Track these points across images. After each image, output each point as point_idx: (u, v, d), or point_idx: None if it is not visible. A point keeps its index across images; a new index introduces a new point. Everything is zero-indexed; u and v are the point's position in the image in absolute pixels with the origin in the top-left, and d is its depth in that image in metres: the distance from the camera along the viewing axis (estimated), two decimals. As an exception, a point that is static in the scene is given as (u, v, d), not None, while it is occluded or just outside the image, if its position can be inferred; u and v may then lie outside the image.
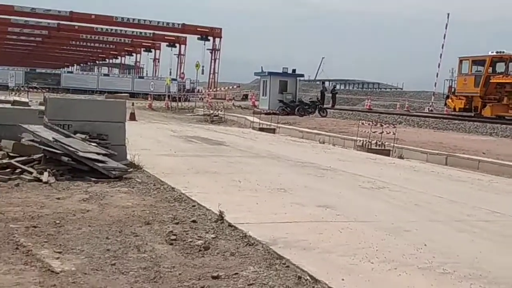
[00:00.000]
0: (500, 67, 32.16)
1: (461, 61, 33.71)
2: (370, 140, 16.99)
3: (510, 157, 14.53)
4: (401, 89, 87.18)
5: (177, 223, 6.19)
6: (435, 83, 47.34)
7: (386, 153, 16.25)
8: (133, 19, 67.11)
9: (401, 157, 15.49)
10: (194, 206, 7.04)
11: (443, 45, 47.19)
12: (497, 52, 31.84)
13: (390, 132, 17.22)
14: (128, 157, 10.03)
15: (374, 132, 17.35)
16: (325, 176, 10.53)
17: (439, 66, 46.91)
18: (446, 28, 47.28)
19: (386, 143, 16.72)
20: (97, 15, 65.86)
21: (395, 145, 16.68)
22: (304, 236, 5.81)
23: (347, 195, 8.56)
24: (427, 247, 5.62)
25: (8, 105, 12.78)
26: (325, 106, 35.78)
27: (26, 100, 15.61)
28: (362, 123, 19.28)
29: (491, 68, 32.08)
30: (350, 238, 5.87)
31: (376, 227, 6.46)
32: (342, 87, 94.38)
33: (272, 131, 23.68)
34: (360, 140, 17.46)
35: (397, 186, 9.72)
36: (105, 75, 71.56)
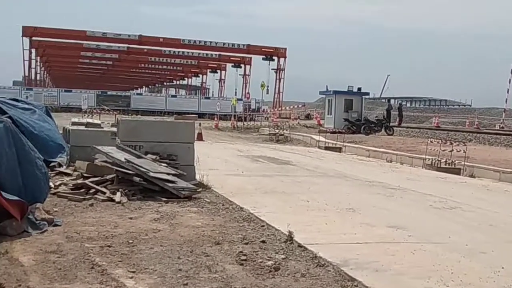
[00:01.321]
0: None
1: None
2: (439, 159, 16.62)
3: None
4: (470, 106, 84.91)
5: (246, 243, 6.21)
6: (506, 99, 45.90)
7: (456, 171, 15.86)
8: (199, 41, 68.32)
9: (472, 176, 15.07)
10: (263, 226, 7.05)
11: (514, 61, 45.70)
12: None
13: (460, 150, 16.78)
14: (197, 177, 10.18)
15: (443, 150, 16.96)
16: (394, 195, 10.35)
17: (510, 82, 45.48)
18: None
19: (456, 161, 16.31)
20: (165, 38, 67.50)
21: (466, 163, 16.26)
22: (376, 257, 5.72)
23: (418, 215, 8.39)
24: (505, 270, 5.42)
25: (82, 127, 13.25)
26: (391, 124, 35.27)
27: (99, 122, 16.11)
28: (431, 141, 18.89)
29: None
30: (424, 259, 5.73)
31: (450, 248, 6.29)
32: (409, 105, 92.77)
33: (338, 149, 23.52)
34: (429, 159, 17.11)
35: (470, 206, 9.45)
36: (172, 96, 72.97)
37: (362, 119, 33.83)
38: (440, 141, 18.79)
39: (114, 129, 11.55)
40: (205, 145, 22.38)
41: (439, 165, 16.46)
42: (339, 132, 29.32)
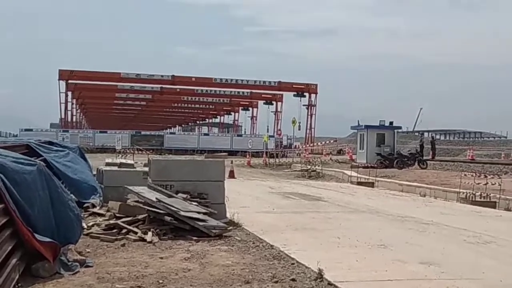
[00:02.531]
0: None
1: None
2: (474, 192, 16.35)
3: None
4: (506, 137, 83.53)
5: (276, 282, 6.20)
6: (543, 130, 45.03)
7: (492, 205, 15.56)
8: (231, 80, 69.16)
9: (508, 209, 14.79)
10: (293, 263, 7.03)
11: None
12: None
13: (495, 183, 16.50)
14: (228, 215, 10.22)
15: (477, 183, 16.69)
16: (427, 230, 10.22)
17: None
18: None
19: (491, 194, 16.03)
20: (197, 77, 68.57)
21: (501, 196, 15.96)
22: (407, 294, 5.65)
23: (451, 251, 8.25)
24: (540, 307, 5.30)
25: (115, 168, 13.45)
26: (424, 157, 34.90)
27: (132, 162, 16.33)
28: (465, 174, 18.61)
29: None
30: (456, 296, 5.64)
31: (485, 284, 6.18)
32: (442, 138, 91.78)
33: (371, 185, 23.32)
34: (463, 192, 16.84)
35: (505, 240, 9.27)
36: (205, 134, 73.57)
37: (395, 153, 33.57)
38: (474, 174, 18.52)
39: (146, 169, 11.70)
40: (237, 182, 22.45)
41: (473, 199, 16.18)
42: (372, 167, 29.10)
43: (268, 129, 72.00)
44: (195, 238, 8.61)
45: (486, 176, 17.65)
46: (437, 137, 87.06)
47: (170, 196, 9.48)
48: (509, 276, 6.63)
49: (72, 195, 8.92)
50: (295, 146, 60.41)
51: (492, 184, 16.49)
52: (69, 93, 67.75)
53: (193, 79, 68.19)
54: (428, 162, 34.02)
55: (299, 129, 63.69)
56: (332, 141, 59.94)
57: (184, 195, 9.70)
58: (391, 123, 34.83)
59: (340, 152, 52.17)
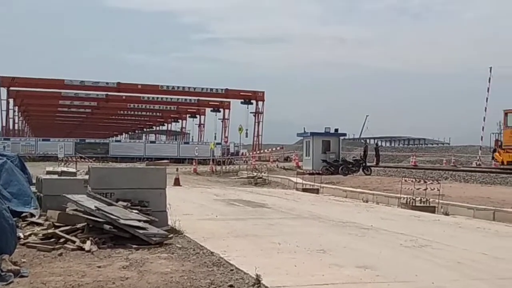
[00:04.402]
0: (547, 117, 31.54)
1: (506, 114, 33.20)
2: (414, 197, 16.75)
3: (561, 210, 14.10)
4: (448, 144, 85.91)
5: (214, 288, 6.21)
6: (482, 137, 46.53)
7: (431, 210, 15.97)
8: (178, 87, 68.82)
9: (446, 214, 15.20)
10: (232, 270, 7.07)
11: (487, 99, 46.66)
12: (542, 103, 31.33)
13: (434, 188, 16.96)
14: (170, 222, 10.17)
15: (418, 189, 17.12)
16: (366, 235, 10.43)
17: (484, 120, 46.25)
18: (489, 81, 46.90)
19: (431, 199, 16.45)
20: (143, 84, 67.89)
21: (441, 201, 16.41)
22: (341, 298, 5.76)
23: (388, 255, 8.45)
24: (467, 307, 5.49)
25: (56, 176, 13.22)
26: (368, 164, 35.53)
27: (74, 170, 16.09)
28: (405, 180, 19.05)
29: (538, 119, 31.48)
30: (388, 299, 5.78)
31: (417, 287, 6.34)
32: (388, 144, 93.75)
33: (316, 191, 23.61)
34: (404, 198, 17.24)
35: (440, 244, 9.54)
36: (151, 142, 72.93)
37: (340, 159, 34.03)
38: (414, 179, 18.97)
39: (87, 177, 11.54)
40: (182, 190, 22.36)
41: (414, 204, 16.57)
42: (317, 174, 29.46)
43: (215, 136, 72.01)
44: (135, 246, 8.53)
45: (426, 182, 18.12)
46: (383, 144, 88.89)
47: (110, 204, 9.37)
48: (441, 278, 6.83)
49: (7, 204, 8.72)
50: (242, 153, 60.53)
51: (432, 189, 16.93)
52: (11, 100, 66.07)
53: (139, 86, 67.51)
54: (372, 168, 34.65)
55: (246, 136, 63.92)
56: (278, 148, 60.26)
57: (125, 203, 9.60)
58: (336, 130, 35.31)
59: (287, 159, 52.54)
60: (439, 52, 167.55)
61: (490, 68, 47.70)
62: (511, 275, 7.14)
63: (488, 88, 46.72)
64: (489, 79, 46.96)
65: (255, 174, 34.35)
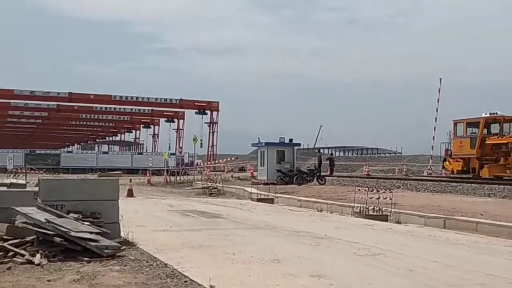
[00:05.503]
0: (495, 128, 32.42)
1: (455, 124, 34.02)
2: (367, 206, 16.95)
3: (508, 218, 14.49)
4: (400, 153, 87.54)
5: (167, 300, 6.13)
6: (432, 146, 47.73)
7: (384, 218, 16.19)
8: (131, 97, 68.24)
9: (398, 222, 15.43)
10: (186, 281, 6.99)
11: (437, 109, 47.90)
12: (490, 114, 32.20)
13: (386, 197, 17.22)
14: (122, 234, 10.01)
15: (371, 198, 17.34)
16: (320, 244, 10.48)
17: (434, 130, 47.44)
18: (439, 92, 48.16)
19: (384, 208, 16.68)
20: (95, 94, 67.07)
21: (393, 210, 16.65)
22: (295, 307, 5.76)
23: (342, 264, 8.51)
24: (419, 314, 5.56)
25: (4, 188, 12.86)
26: (323, 174, 35.87)
27: (23, 182, 15.70)
28: (359, 189, 19.29)
29: (485, 129, 32.31)
30: (342, 307, 5.81)
31: (369, 295, 6.40)
32: (341, 154, 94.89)
33: (270, 201, 23.67)
34: (357, 207, 17.43)
35: (393, 252, 9.66)
36: (104, 152, 72.08)
37: (295, 169, 34.24)
38: (367, 188, 19.23)
39: (37, 189, 11.26)
40: (135, 201, 22.09)
41: (367, 213, 16.76)
42: (272, 183, 29.58)
43: (170, 147, 71.66)
44: (86, 259, 8.35)
45: (378, 191, 18.39)
46: (336, 153, 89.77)
47: (60, 217, 9.16)
48: (393, 286, 6.92)
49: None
50: (197, 163, 60.31)
51: (384, 198, 17.19)
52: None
53: (92, 96, 66.66)
54: (326, 178, 34.98)
55: (201, 147, 63.78)
56: (233, 158, 60.30)
57: (76, 215, 9.41)
58: (290, 140, 35.55)
59: (242, 169, 52.61)
60: (389, 64, 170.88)
61: (440, 79, 49.03)
62: (461, 282, 7.27)
63: (438, 99, 47.98)
64: (439, 89, 48.24)
65: (209, 184, 34.24)
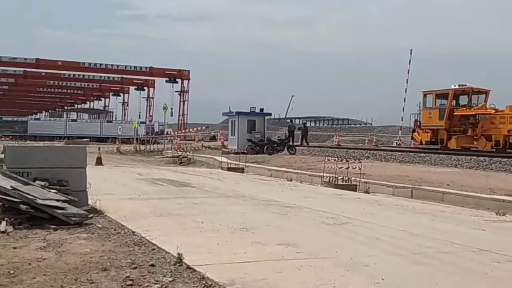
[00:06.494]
0: (463, 99, 32.85)
1: (425, 95, 34.34)
2: (336, 176, 17.09)
3: (474, 188, 14.76)
4: (371, 124, 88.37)
5: (135, 268, 6.11)
6: (402, 117, 48.19)
7: (353, 188, 16.35)
8: (100, 64, 67.17)
9: (367, 192, 15.60)
10: (153, 249, 6.97)
11: (407, 80, 48.27)
12: (459, 85, 32.55)
13: (356, 167, 17.37)
14: (90, 202, 9.93)
15: (341, 168, 17.47)
16: (288, 213, 10.54)
17: (404, 101, 47.86)
18: (409, 63, 48.48)
19: (353, 178, 16.84)
20: (63, 61, 65.79)
21: (362, 180, 16.81)
22: (263, 275, 5.79)
23: (309, 232, 8.57)
24: (384, 281, 5.63)
25: (-32, 155, 12.59)
26: (295, 144, 36.01)
27: (-12, 149, 15.37)
28: (328, 159, 19.41)
29: (454, 101, 32.73)
30: (309, 275, 5.86)
31: (336, 263, 6.46)
32: (313, 124, 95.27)
33: (241, 170, 23.70)
34: (326, 177, 17.56)
35: (360, 221, 9.77)
36: (72, 120, 71.13)
37: (265, 139, 34.29)
38: (337, 158, 19.37)
39: (2, 156, 11.07)
40: (104, 169, 21.91)
41: (336, 183, 16.91)
42: (243, 153, 29.61)
43: (140, 115, 71.04)
44: (53, 226, 8.27)
45: (348, 161, 18.53)
46: (308, 124, 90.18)
47: (26, 184, 9.04)
48: (359, 254, 6.99)
49: None
50: (167, 132, 60.02)
51: (354, 168, 17.34)
52: None
53: (60, 62, 65.39)
54: (297, 147, 35.15)
55: (172, 116, 63.36)
56: (204, 128, 60.07)
57: (42, 183, 9.28)
58: (261, 109, 35.52)
59: (213, 138, 52.48)
60: (363, 35, 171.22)
61: (411, 50, 49.32)
62: (425, 250, 7.39)
63: (408, 70, 48.32)
64: (409, 61, 48.54)
65: (180, 153, 34.13)
